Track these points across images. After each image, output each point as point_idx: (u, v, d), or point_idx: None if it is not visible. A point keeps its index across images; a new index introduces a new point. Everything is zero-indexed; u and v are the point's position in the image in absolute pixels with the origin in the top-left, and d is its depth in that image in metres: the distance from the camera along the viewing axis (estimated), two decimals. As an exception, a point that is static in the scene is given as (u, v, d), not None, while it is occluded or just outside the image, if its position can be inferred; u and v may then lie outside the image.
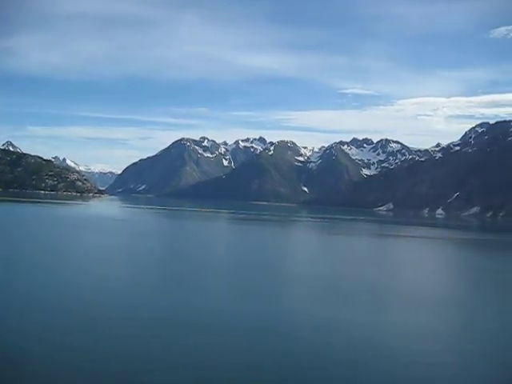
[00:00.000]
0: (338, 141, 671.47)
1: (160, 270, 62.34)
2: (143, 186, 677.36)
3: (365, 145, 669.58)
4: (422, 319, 44.33)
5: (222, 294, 50.24)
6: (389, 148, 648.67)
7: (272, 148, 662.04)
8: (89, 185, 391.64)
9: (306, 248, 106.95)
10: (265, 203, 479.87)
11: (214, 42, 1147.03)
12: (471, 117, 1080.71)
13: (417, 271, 78.91)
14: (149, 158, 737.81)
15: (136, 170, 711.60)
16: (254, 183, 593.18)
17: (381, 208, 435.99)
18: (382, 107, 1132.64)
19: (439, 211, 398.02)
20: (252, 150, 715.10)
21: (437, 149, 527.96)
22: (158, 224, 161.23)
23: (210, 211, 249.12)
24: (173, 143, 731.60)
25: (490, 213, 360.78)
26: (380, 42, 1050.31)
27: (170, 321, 37.45)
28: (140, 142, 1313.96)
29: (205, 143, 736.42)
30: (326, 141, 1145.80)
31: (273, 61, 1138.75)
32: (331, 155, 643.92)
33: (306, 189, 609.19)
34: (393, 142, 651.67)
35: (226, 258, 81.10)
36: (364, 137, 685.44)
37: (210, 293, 49.53)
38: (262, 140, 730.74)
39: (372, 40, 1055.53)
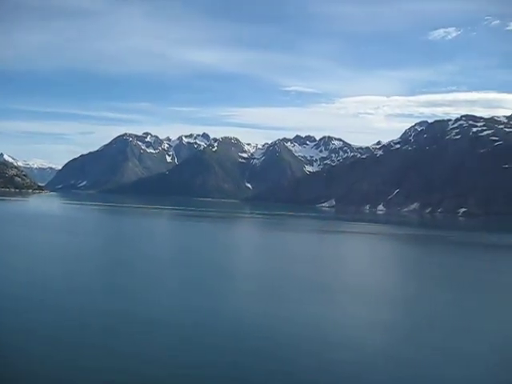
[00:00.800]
0: (281, 138, 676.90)
1: (103, 267, 61.45)
2: (84, 182, 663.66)
3: (308, 142, 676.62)
4: (368, 314, 45.45)
5: (170, 291, 50.04)
6: (331, 145, 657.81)
7: (216, 144, 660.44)
8: (28, 181, 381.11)
9: (251, 245, 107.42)
10: (208, 199, 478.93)
11: (157, 36, 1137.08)
12: (410, 115, 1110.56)
13: (359, 266, 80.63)
14: (90, 153, 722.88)
15: (77, 166, 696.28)
16: (197, 179, 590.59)
17: (323, 204, 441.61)
18: (324, 105, 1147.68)
19: (380, 207, 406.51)
20: (195, 146, 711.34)
21: (378, 146, 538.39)
22: (102, 221, 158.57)
23: (153, 208, 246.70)
24: (115, 138, 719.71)
25: (429, 209, 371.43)
26: (322, 40, 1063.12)
27: (104, 311, 37.21)
28: (81, 137, 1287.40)
29: (148, 139, 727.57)
30: (269, 138, 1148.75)
31: (217, 57, 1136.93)
32: (275, 152, 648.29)
33: (249, 185, 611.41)
34: (335, 139, 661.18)
35: (173, 256, 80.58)
36: (307, 134, 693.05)
37: (158, 289, 49.25)
38: (205, 136, 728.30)
39: (314, 38, 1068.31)
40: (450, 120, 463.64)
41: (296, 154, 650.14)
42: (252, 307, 44.41)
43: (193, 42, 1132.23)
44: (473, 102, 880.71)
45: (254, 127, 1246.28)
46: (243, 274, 64.01)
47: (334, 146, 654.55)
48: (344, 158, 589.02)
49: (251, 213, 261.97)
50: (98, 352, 29.08)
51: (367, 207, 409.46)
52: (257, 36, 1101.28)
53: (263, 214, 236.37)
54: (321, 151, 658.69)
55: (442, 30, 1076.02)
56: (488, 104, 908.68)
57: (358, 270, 75.83)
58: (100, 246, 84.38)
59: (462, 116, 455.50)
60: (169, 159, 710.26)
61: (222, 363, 29.49)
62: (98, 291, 45.81)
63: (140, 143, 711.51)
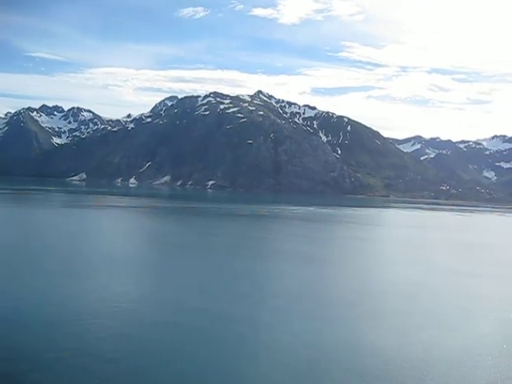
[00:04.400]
0: (26, 107, 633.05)
1: None
2: None
3: (55, 112, 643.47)
4: (112, 285, 45.38)
5: None
6: (80, 116, 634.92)
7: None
8: None
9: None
10: None
11: None
12: (159, 90, 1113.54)
13: (109, 240, 79.88)
14: None
15: None
16: None
17: (73, 178, 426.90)
18: (72, 74, 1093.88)
19: (132, 180, 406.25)
20: None
21: (129, 119, 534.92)
22: None
23: None
24: None
25: (180, 181, 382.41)
26: (70, 6, 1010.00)
27: None
28: None
29: None
30: (12, 106, 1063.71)
31: None
32: (19, 122, 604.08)
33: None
34: (84, 110, 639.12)
35: None
36: (54, 104, 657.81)
37: None
38: None
39: (62, 3, 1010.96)
40: (199, 96, 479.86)
41: (43, 125, 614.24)
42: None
43: None
44: (218, 80, 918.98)
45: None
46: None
47: (83, 118, 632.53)
48: (94, 130, 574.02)
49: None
50: None
51: (119, 180, 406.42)
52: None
53: (3, 189, 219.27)
54: (69, 122, 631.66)
55: (190, 9, 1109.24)
56: (232, 83, 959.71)
57: (107, 243, 74.89)
58: None
59: (210, 93, 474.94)
60: None
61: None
62: None
63: None
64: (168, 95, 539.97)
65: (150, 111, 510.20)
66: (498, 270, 70.49)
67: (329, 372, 29.91)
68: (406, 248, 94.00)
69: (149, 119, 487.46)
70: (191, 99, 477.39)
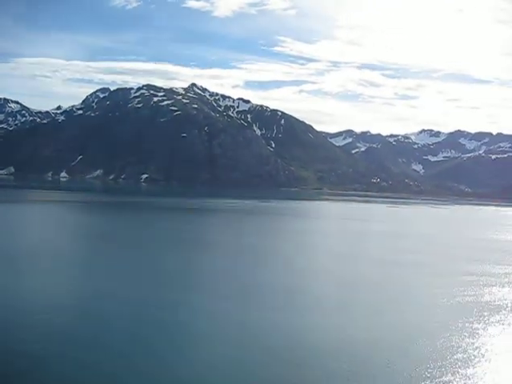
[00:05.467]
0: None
1: None
2: None
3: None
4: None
5: None
6: (7, 108, 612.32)
7: None
8: None
9: None
10: None
11: None
12: (90, 81, 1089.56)
13: (39, 236, 78.48)
14: None
15: None
16: None
17: (1, 172, 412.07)
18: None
19: (63, 174, 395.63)
20: None
21: (59, 111, 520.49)
22: None
23: None
24: None
25: (113, 175, 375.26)
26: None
27: None
28: None
29: None
30: None
31: None
32: None
33: None
34: (12, 101, 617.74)
35: None
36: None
37: None
38: None
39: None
40: (132, 88, 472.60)
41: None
42: None
43: None
44: (151, 73, 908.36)
45: None
46: None
47: (10, 109, 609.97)
48: (22, 123, 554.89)
49: None
50: None
51: (50, 174, 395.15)
52: None
53: None
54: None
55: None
56: (165, 75, 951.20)
57: (44, 240, 73.54)
58: None
59: (143, 85, 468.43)
60: None
61: None
62: None
63: None
64: (99, 87, 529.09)
65: (81, 103, 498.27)
66: (433, 260, 73.87)
67: (266, 356, 31.06)
68: (345, 239, 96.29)
69: (80, 111, 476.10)
70: (124, 91, 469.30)
